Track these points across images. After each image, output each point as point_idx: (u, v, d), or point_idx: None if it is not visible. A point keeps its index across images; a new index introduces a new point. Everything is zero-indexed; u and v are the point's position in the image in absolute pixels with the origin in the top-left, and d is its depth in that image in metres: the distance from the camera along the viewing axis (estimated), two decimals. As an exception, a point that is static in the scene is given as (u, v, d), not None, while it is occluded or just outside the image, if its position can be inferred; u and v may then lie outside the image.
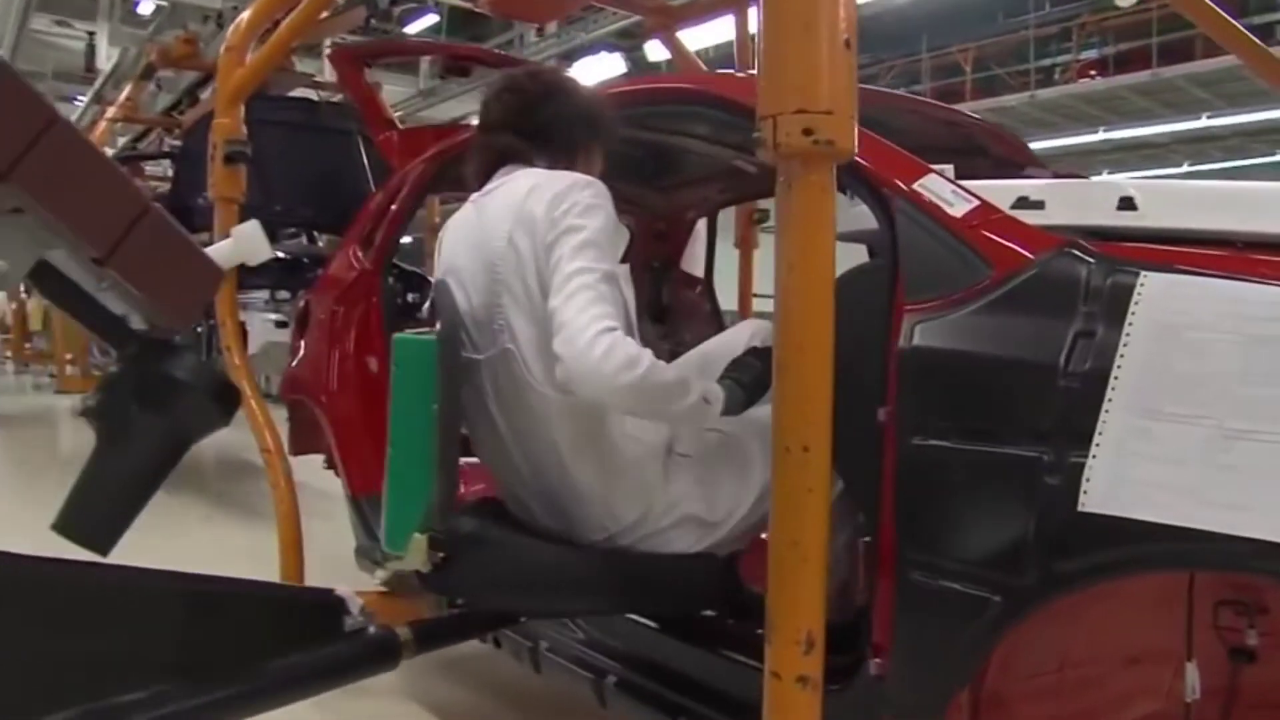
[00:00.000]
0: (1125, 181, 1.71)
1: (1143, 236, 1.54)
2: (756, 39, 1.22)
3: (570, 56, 13.74)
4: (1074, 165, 11.91)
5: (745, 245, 4.47)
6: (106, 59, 13.92)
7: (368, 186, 5.29)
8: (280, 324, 6.36)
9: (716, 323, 3.92)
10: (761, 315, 2.63)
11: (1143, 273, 1.36)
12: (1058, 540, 1.32)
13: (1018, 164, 2.72)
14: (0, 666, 1.19)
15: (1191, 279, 1.33)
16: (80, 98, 14.43)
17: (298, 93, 6.67)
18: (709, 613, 1.98)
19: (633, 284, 3.40)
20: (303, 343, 3.44)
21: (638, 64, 13.34)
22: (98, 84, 12.91)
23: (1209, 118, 15.49)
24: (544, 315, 1.61)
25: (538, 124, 1.86)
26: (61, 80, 15.72)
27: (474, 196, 1.90)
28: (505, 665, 2.65)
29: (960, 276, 1.53)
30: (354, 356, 3.11)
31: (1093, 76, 16.06)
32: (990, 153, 2.76)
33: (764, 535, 1.37)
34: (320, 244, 6.89)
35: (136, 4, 15.73)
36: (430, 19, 15.83)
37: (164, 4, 14.60)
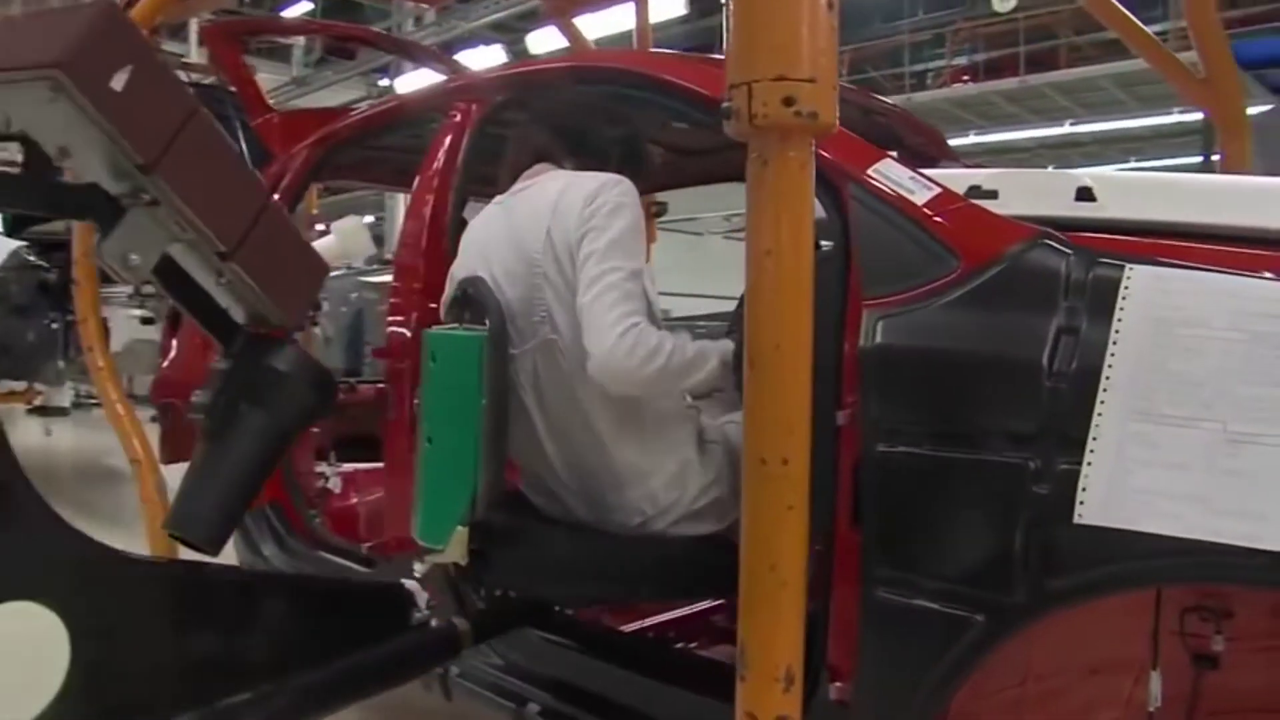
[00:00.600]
0: (1081, 172, 1.64)
1: (1102, 228, 1.46)
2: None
3: (450, 47, 13.40)
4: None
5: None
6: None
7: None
8: (146, 320, 5.95)
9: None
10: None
11: (1128, 265, 1.27)
12: (1051, 555, 1.22)
13: (931, 156, 2.66)
14: (129, 665, 1.16)
15: (1182, 272, 1.24)
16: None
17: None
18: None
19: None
20: (174, 341, 3.17)
21: (519, 56, 13.11)
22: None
23: (1071, 124, 16.17)
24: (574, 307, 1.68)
25: (581, 128, 1.92)
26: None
27: (500, 197, 1.94)
28: (411, 693, 2.44)
29: (925, 269, 1.42)
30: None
31: (965, 82, 16.55)
32: (906, 142, 2.68)
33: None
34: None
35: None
36: (304, 5, 15.23)
37: (11, -23, 13.62)
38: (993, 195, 1.56)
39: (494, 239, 1.85)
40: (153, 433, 3.06)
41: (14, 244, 6.75)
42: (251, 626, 1.31)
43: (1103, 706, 1.58)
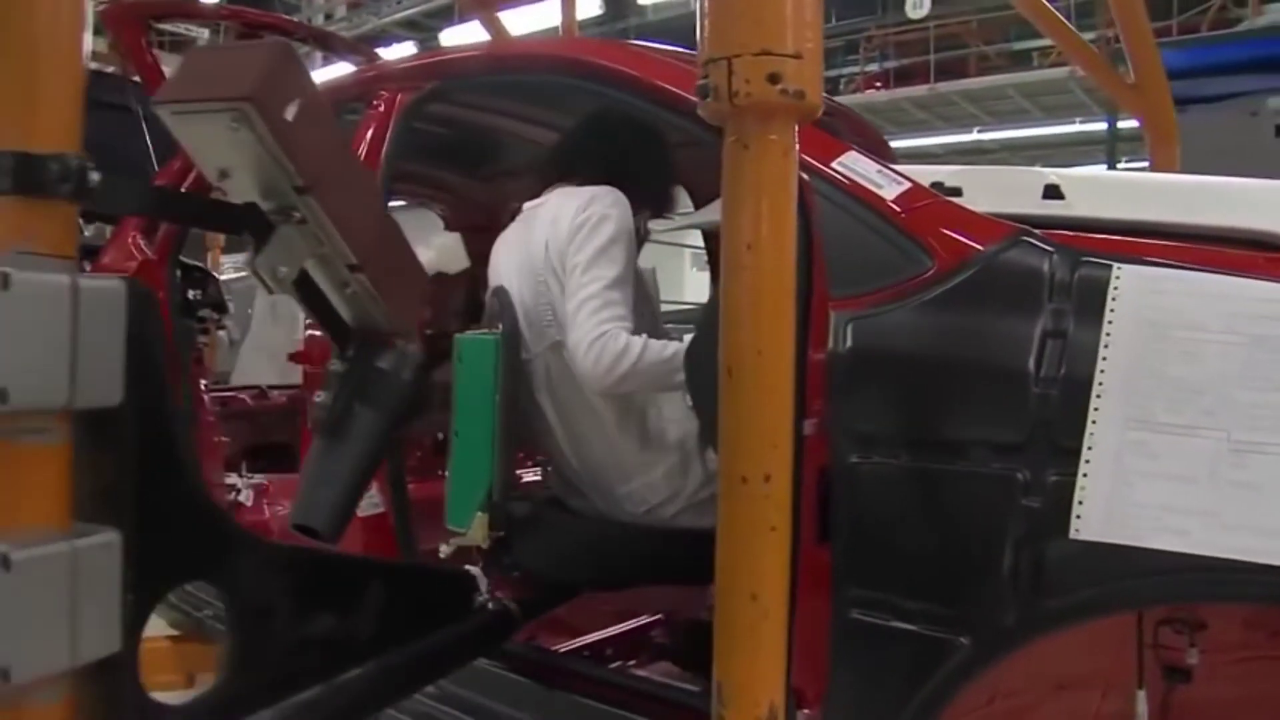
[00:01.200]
0: (1046, 170, 1.58)
1: (1070, 227, 1.39)
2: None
3: (361, 42, 13.05)
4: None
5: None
6: None
7: (152, 169, 4.69)
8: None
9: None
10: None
11: (1115, 265, 1.20)
12: (1044, 572, 1.14)
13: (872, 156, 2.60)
14: (273, 641, 1.26)
15: (1173, 272, 1.17)
16: None
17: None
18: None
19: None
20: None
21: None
22: None
23: (979, 131, 16.54)
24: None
25: (620, 153, 2.00)
26: None
27: (526, 205, 2.07)
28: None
29: (897, 268, 1.33)
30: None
31: (877, 88, 16.79)
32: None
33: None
34: (87, 233, 6.12)
35: None
36: (211, -3, 14.66)
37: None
38: (956, 193, 1.49)
39: (512, 250, 2.01)
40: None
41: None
42: (355, 606, 1.41)
43: (1068, 725, 1.52)
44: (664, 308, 2.49)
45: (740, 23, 0.94)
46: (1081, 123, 14.53)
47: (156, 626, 2.62)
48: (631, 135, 2.02)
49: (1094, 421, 1.12)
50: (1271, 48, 5.98)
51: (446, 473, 1.91)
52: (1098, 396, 1.13)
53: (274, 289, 1.21)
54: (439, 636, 1.59)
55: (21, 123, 0.89)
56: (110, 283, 0.95)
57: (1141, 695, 1.34)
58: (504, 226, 3.71)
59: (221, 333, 4.14)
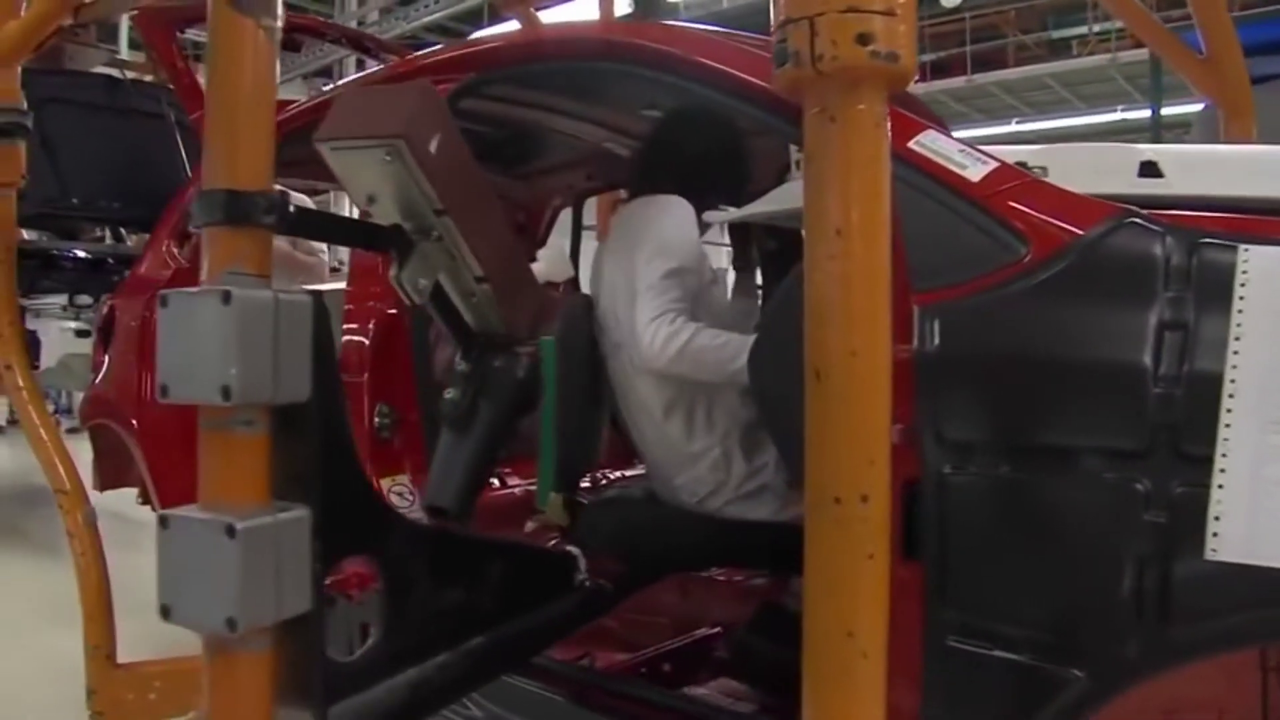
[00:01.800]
0: (1141, 146, 1.43)
1: (1173, 207, 1.25)
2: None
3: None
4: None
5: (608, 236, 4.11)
6: None
7: (185, 177, 4.65)
8: (81, 333, 5.62)
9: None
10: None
11: (1242, 247, 1.06)
12: (1174, 598, 1.00)
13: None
14: (417, 611, 1.38)
15: (1314, 253, 1.03)
16: None
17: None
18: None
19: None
20: (107, 356, 2.87)
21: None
22: None
23: (1017, 123, 16.21)
24: (631, 312, 1.90)
25: (690, 165, 2.04)
26: None
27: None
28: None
29: (988, 256, 1.20)
30: (171, 372, 2.59)
31: (914, 81, 16.53)
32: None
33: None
34: (129, 243, 6.12)
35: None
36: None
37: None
38: (1041, 174, 1.35)
39: (597, 257, 2.15)
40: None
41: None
42: (479, 580, 1.52)
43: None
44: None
45: (823, -25, 0.82)
46: (1124, 110, 14.17)
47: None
48: (698, 145, 2.07)
49: (1227, 425, 0.98)
50: None
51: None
52: (1230, 396, 0.99)
53: (415, 299, 1.34)
54: (547, 610, 1.70)
55: (229, 166, 1.07)
56: (301, 297, 1.08)
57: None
58: (545, 226, 3.67)
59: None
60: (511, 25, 3.10)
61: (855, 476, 0.84)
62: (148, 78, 5.34)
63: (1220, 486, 0.97)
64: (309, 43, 3.82)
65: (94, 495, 3.10)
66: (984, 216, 1.22)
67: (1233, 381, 1.00)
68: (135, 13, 3.42)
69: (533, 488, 3.03)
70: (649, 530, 2.03)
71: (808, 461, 0.87)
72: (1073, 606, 1.07)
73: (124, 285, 2.95)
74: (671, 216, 1.92)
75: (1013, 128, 16.36)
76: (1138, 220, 1.14)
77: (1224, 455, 0.98)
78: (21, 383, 2.59)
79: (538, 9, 3.96)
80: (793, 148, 1.76)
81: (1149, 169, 1.36)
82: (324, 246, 3.87)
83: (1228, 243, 1.08)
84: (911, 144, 1.32)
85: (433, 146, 1.23)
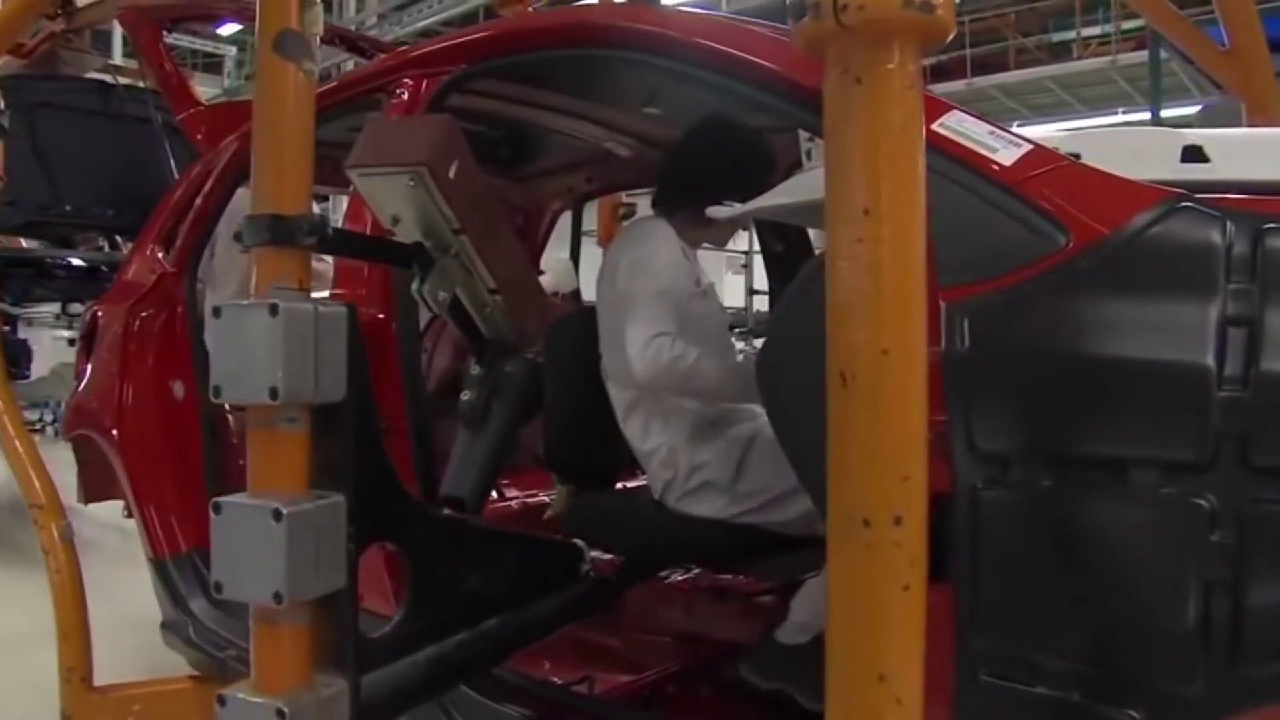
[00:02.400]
0: (1183, 130, 1.32)
1: (1218, 193, 1.14)
2: None
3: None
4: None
5: (609, 241, 4.01)
6: None
7: (172, 177, 4.54)
8: (74, 342, 5.52)
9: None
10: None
11: (1314, 232, 0.94)
12: (1248, 631, 0.88)
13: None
14: (438, 591, 1.51)
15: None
16: None
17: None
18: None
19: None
20: (89, 365, 2.76)
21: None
22: None
23: (1019, 126, 16.07)
24: (609, 325, 2.00)
25: (704, 183, 2.04)
26: None
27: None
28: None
29: (1024, 247, 1.08)
30: (154, 378, 2.49)
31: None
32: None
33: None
34: (124, 250, 6.02)
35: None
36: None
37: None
38: (1075, 159, 1.24)
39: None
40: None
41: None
42: (493, 567, 1.65)
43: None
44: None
45: (849, -87, 0.70)
46: (1125, 113, 14.07)
47: (178, 665, 2.44)
48: (720, 155, 2.08)
49: (1308, 433, 0.87)
50: None
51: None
52: (1309, 400, 0.88)
53: (436, 310, 1.48)
54: (555, 598, 1.81)
55: (276, 193, 1.19)
56: (338, 308, 1.21)
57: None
58: (544, 229, 3.57)
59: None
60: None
61: (887, 494, 0.72)
62: (141, 83, 5.24)
63: (1304, 504, 0.86)
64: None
65: (94, 508, 3.03)
66: (1018, 204, 1.10)
67: (1311, 384, 0.88)
68: (122, 12, 3.34)
69: (530, 500, 2.97)
70: (616, 523, 2.12)
71: (831, 478, 0.75)
72: (1127, 638, 0.95)
73: (108, 291, 2.85)
74: (655, 235, 2.00)
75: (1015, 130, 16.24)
76: (1192, 205, 1.03)
77: (1307, 468, 0.86)
78: (-1, 394, 2.49)
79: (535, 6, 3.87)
80: (803, 135, 1.64)
81: (1193, 154, 1.25)
82: None
83: (1297, 228, 0.96)
84: (935, 126, 1.20)
85: (452, 172, 1.36)
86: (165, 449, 2.48)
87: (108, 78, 5.42)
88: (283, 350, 1.12)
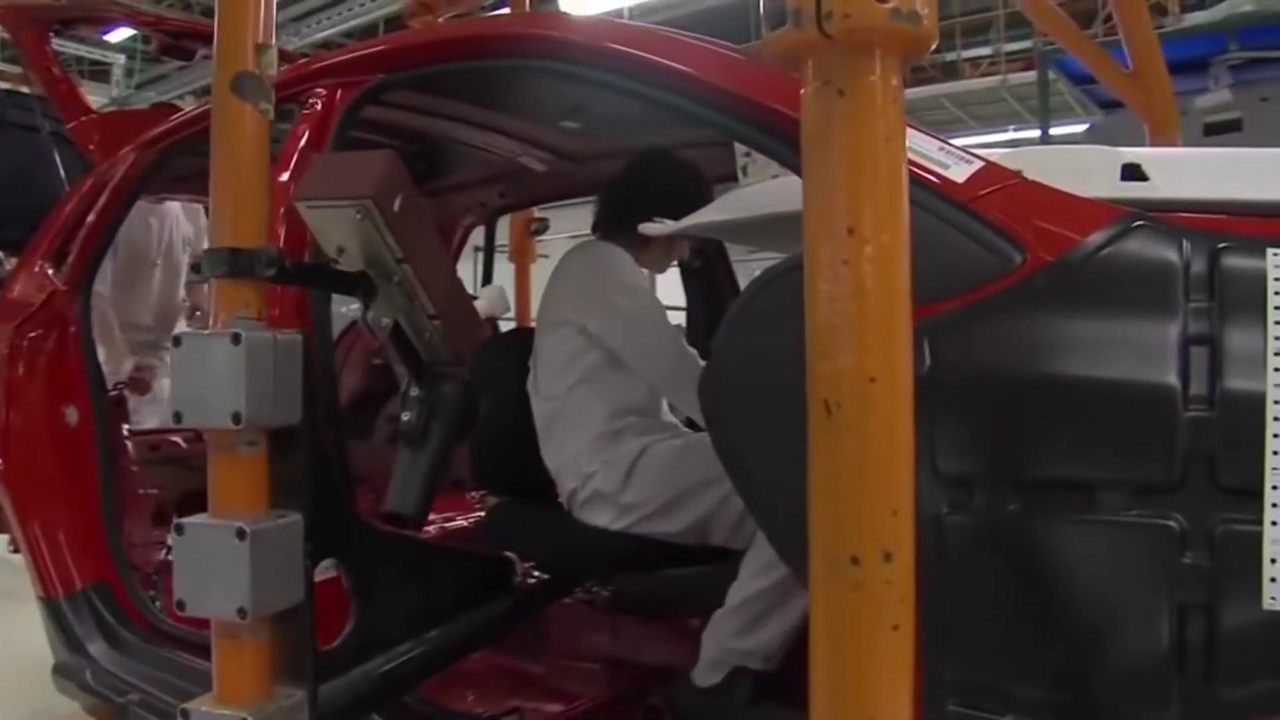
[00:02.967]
0: (1121, 149, 1.33)
1: (1159, 211, 1.14)
2: None
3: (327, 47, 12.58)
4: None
5: (521, 257, 3.95)
6: None
7: (62, 188, 4.30)
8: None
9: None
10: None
11: (1271, 250, 0.94)
12: (1223, 654, 0.86)
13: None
14: (381, 609, 1.59)
15: (1351, 256, 0.92)
16: None
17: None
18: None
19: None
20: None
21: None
22: None
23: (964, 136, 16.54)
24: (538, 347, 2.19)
25: (641, 210, 2.07)
26: None
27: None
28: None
29: (979, 266, 1.06)
30: (44, 403, 2.33)
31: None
32: None
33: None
34: (8, 266, 5.67)
35: None
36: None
37: None
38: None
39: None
40: None
41: None
42: (433, 580, 1.73)
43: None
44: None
45: (832, -82, 0.67)
46: (1015, 130, 14.58)
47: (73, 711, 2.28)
48: (651, 188, 2.15)
49: (1275, 453, 0.86)
50: (1193, 49, 5.89)
51: None
52: (1276, 420, 0.87)
53: (378, 336, 1.53)
54: (489, 608, 1.89)
55: (233, 227, 1.25)
56: (294, 335, 1.30)
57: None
58: (457, 245, 3.49)
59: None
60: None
61: (877, 530, 0.68)
62: (24, 88, 4.96)
63: (1275, 524, 0.85)
64: (205, 54, 3.53)
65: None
66: (972, 221, 1.08)
67: (1277, 403, 0.87)
68: (1, 12, 3.14)
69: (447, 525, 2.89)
70: (528, 534, 2.18)
71: (814, 513, 0.71)
72: (1099, 663, 0.93)
73: None
74: (624, 261, 2.10)
75: (959, 141, 16.63)
76: (1147, 223, 1.02)
77: (1275, 488, 0.85)
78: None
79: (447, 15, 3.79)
80: (739, 149, 1.61)
81: (1133, 171, 1.25)
82: None
83: (1250, 247, 0.96)
84: (885, 141, 1.18)
85: (396, 205, 1.39)
86: (57, 478, 2.31)
87: (-9, 87, 5.13)
88: (245, 377, 1.19)
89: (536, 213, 3.85)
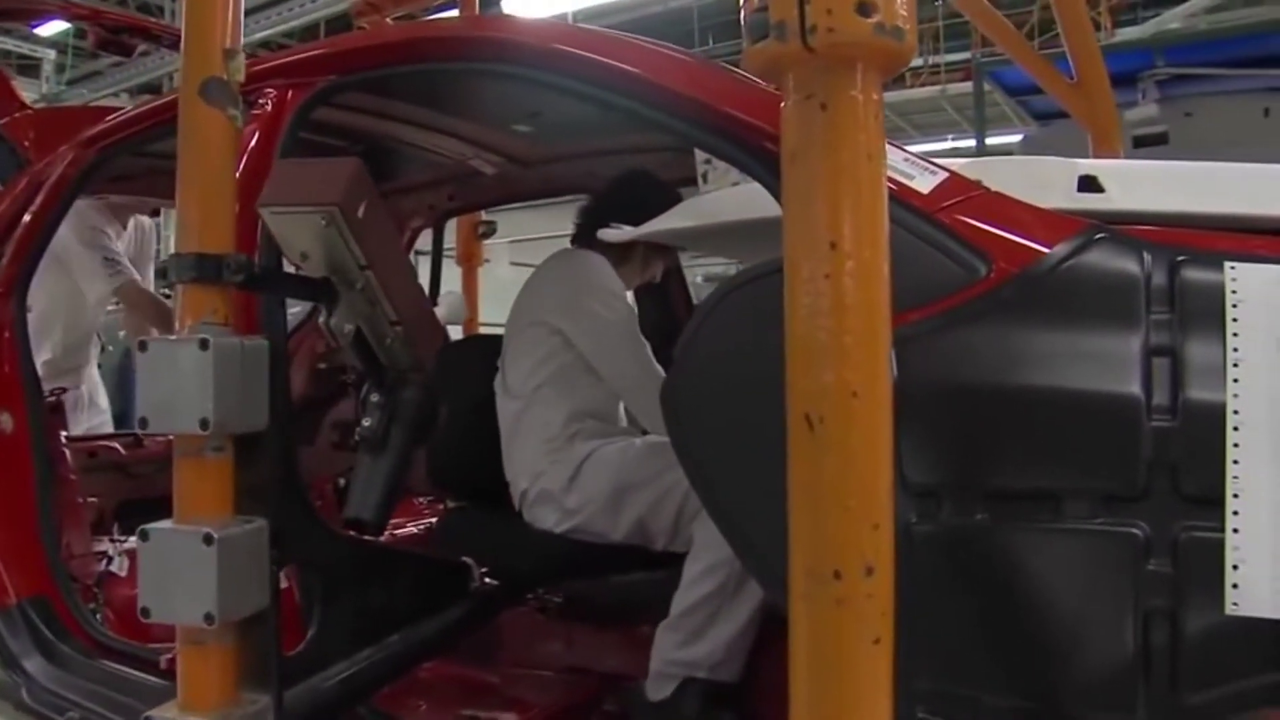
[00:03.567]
0: (1078, 160, 1.35)
1: (1114, 223, 1.17)
2: None
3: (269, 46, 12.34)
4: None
5: (469, 262, 3.92)
6: None
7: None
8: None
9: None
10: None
11: (1228, 264, 0.96)
12: (1189, 658, 0.88)
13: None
14: (347, 612, 1.62)
15: (1305, 270, 0.94)
16: None
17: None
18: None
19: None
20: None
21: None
22: None
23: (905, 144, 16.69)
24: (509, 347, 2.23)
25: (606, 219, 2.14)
26: None
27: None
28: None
29: (944, 278, 1.07)
30: (-27, 411, 2.25)
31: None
32: None
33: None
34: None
35: None
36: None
37: None
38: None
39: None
40: None
41: None
42: (393, 585, 1.74)
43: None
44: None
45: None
46: (954, 139, 14.85)
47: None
48: (633, 212, 2.13)
49: (1236, 461, 0.88)
50: (1123, 64, 6.08)
51: None
52: (1235, 429, 0.89)
53: (340, 342, 1.54)
54: (449, 613, 1.92)
55: (200, 233, 1.26)
56: (260, 341, 1.31)
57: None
58: (404, 248, 3.44)
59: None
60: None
61: (859, 544, 0.68)
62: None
63: (1236, 531, 0.87)
64: (143, 50, 3.46)
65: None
66: (937, 232, 1.09)
67: (1236, 413, 0.89)
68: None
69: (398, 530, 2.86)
70: (480, 538, 2.21)
71: (794, 527, 0.71)
72: (1067, 670, 0.95)
73: None
74: (604, 269, 2.15)
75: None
76: (1109, 236, 1.04)
77: (1235, 496, 0.87)
78: None
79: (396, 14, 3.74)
80: (700, 157, 1.61)
81: (1089, 183, 1.27)
82: None
83: (1208, 260, 0.98)
84: (849, 152, 1.18)
85: (361, 212, 1.39)
86: (-11, 492, 2.24)
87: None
88: (213, 383, 1.20)
89: (484, 216, 3.83)
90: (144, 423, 1.22)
